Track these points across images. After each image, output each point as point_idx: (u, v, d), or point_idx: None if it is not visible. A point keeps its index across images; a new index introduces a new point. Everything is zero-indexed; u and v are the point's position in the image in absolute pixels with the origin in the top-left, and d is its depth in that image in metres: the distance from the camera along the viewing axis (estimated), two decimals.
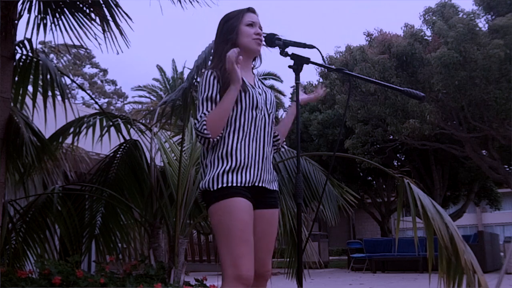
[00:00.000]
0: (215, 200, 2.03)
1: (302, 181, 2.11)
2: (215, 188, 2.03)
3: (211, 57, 3.84)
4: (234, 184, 2.03)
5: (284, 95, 24.38)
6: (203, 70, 3.91)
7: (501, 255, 14.02)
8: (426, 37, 13.36)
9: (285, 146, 2.46)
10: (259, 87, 2.25)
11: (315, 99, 2.56)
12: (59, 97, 4.03)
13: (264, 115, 2.19)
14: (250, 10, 2.26)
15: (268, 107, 2.22)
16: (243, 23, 2.21)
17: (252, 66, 2.32)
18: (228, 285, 1.96)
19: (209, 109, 2.07)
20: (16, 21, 3.72)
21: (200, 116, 2.06)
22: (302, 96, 2.46)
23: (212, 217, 2.05)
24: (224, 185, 2.02)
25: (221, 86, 2.10)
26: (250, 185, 2.07)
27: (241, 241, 1.98)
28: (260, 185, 2.11)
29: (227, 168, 2.05)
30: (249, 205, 2.05)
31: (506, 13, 12.35)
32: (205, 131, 2.02)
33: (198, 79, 4.07)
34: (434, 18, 13.34)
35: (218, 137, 2.07)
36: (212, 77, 2.11)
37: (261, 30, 2.25)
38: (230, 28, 2.21)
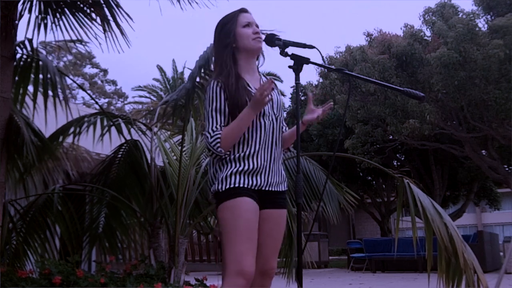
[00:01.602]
0: (223, 200, 2.09)
1: (303, 180, 2.11)
2: (224, 189, 2.08)
3: (212, 64, 3.88)
4: (242, 185, 2.08)
5: (284, 95, 24.36)
6: (202, 71, 3.93)
7: (500, 255, 14.02)
8: (426, 37, 13.36)
9: (291, 149, 2.46)
10: None
11: (320, 117, 2.31)
12: (59, 97, 4.03)
13: (272, 120, 2.21)
14: (243, 10, 2.26)
15: (275, 111, 2.25)
16: (239, 25, 2.22)
17: (256, 65, 2.32)
18: (229, 280, 2.01)
19: (219, 122, 2.10)
20: (16, 21, 3.72)
21: (213, 130, 2.09)
22: (306, 117, 2.30)
23: (219, 215, 2.11)
24: (232, 185, 2.08)
25: (227, 95, 2.12)
26: (257, 189, 2.12)
27: (245, 239, 2.03)
28: (267, 189, 2.16)
29: (235, 170, 2.10)
30: (255, 205, 2.09)
31: (506, 13, 12.35)
32: (219, 149, 2.08)
33: (199, 80, 4.08)
34: (433, 18, 13.34)
35: (227, 154, 2.12)
36: (218, 88, 2.13)
37: (258, 28, 2.25)
38: (227, 32, 2.21)
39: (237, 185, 2.08)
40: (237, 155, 2.12)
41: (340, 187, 4.88)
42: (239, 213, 2.04)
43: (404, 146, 16.31)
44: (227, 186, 2.08)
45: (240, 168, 2.10)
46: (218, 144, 2.07)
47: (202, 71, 3.93)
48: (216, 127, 2.10)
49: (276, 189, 2.19)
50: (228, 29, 2.22)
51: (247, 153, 2.13)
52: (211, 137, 2.08)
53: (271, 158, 2.17)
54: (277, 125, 2.23)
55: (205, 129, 2.13)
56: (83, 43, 4.35)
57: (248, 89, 2.18)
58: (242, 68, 2.22)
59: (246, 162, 2.11)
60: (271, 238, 2.18)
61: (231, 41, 2.20)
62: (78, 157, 4.66)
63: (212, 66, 3.80)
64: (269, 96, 2.08)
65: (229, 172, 2.10)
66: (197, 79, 3.99)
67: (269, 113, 2.20)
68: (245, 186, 2.08)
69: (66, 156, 4.56)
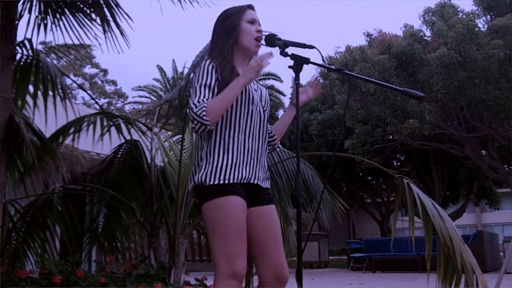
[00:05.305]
0: (211, 197, 2.02)
1: (302, 181, 2.10)
2: (211, 183, 2.02)
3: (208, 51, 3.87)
4: (231, 181, 2.02)
5: (284, 95, 24.35)
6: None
7: (500, 255, 14.02)
8: (425, 37, 13.36)
9: (280, 146, 2.45)
10: (254, 83, 2.25)
11: (312, 96, 2.45)
12: (59, 97, 4.03)
13: (260, 111, 2.19)
14: (250, 7, 2.26)
15: (263, 103, 2.23)
16: (244, 19, 2.21)
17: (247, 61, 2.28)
18: (222, 283, 1.96)
19: (206, 96, 2.04)
20: (16, 21, 3.72)
21: (198, 102, 2.01)
22: (302, 98, 2.36)
23: (206, 214, 2.03)
24: (221, 181, 2.01)
25: (218, 77, 2.09)
26: (245, 182, 2.07)
27: (236, 240, 1.98)
28: (255, 182, 2.11)
29: (224, 163, 2.04)
30: (243, 203, 2.05)
31: (506, 13, 12.35)
32: (205, 117, 1.98)
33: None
34: (433, 18, 13.35)
35: (213, 126, 2.04)
36: (210, 67, 2.11)
37: (260, 26, 2.26)
38: (232, 24, 2.21)
39: (226, 181, 2.01)
40: (225, 143, 2.06)
41: (333, 194, 4.88)
42: (229, 213, 1.98)
43: (404, 146, 16.32)
44: (215, 182, 2.01)
45: (230, 161, 2.04)
46: (204, 113, 1.97)
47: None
48: (202, 99, 2.02)
49: (262, 185, 2.15)
50: (233, 22, 2.21)
51: (233, 139, 2.07)
52: (197, 107, 1.99)
53: (258, 150, 2.13)
54: (264, 117, 2.21)
55: (190, 103, 2.04)
56: (85, 47, 4.35)
57: None
58: (236, 61, 2.21)
59: (233, 151, 2.06)
60: (270, 235, 2.13)
61: (234, 35, 2.19)
62: (76, 158, 4.65)
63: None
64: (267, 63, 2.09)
65: (217, 165, 2.03)
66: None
67: (257, 103, 2.18)
68: (234, 181, 2.02)
69: (64, 156, 4.56)
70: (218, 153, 2.06)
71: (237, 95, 2.06)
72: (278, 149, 2.49)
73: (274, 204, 2.24)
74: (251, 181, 2.09)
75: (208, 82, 2.07)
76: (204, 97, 2.03)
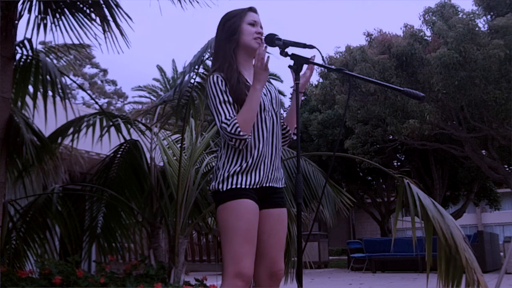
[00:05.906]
0: (223, 200, 2.08)
1: (302, 181, 2.11)
2: (224, 189, 2.08)
3: (210, 57, 3.89)
4: (243, 186, 2.08)
5: (284, 95, 24.34)
6: (196, 67, 3.95)
7: (500, 255, 14.03)
8: (426, 37, 13.35)
9: (293, 136, 2.43)
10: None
11: (310, 75, 2.34)
12: (59, 97, 4.03)
13: (272, 116, 2.22)
14: (252, 9, 2.28)
15: (274, 106, 2.25)
16: (245, 22, 2.23)
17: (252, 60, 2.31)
18: (228, 282, 2.01)
19: (231, 112, 2.09)
20: (16, 21, 3.72)
21: (227, 119, 2.07)
22: (301, 81, 2.26)
23: (219, 216, 2.10)
24: (233, 186, 2.08)
25: (229, 88, 2.12)
26: (258, 186, 2.12)
27: (244, 241, 2.03)
28: (268, 185, 2.16)
29: (237, 169, 2.10)
30: (255, 207, 2.10)
31: (506, 13, 12.35)
32: (241, 133, 2.05)
33: (196, 78, 4.09)
34: (434, 18, 13.34)
35: (251, 136, 2.09)
36: (219, 81, 2.13)
37: (262, 29, 2.27)
38: (233, 27, 2.22)
39: (238, 185, 2.08)
40: (240, 151, 2.11)
41: (337, 189, 4.87)
42: (240, 214, 2.04)
43: (404, 146, 16.31)
44: (228, 187, 2.08)
45: (243, 166, 2.10)
46: (239, 129, 2.04)
47: (196, 68, 3.96)
48: (230, 115, 2.08)
49: (275, 185, 2.19)
50: (234, 24, 2.22)
51: (248, 147, 2.12)
52: (229, 125, 2.05)
53: (272, 154, 2.18)
54: (277, 120, 2.24)
55: (218, 123, 2.09)
56: (84, 47, 4.35)
57: (247, 84, 2.18)
58: (240, 64, 2.23)
59: (247, 158, 2.11)
60: (274, 237, 2.17)
61: (236, 37, 2.20)
62: (76, 158, 4.65)
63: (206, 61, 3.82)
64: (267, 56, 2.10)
65: (231, 172, 2.09)
66: (192, 80, 4.01)
67: (269, 108, 2.21)
68: (246, 186, 2.09)
69: (61, 157, 4.56)
70: (233, 161, 2.12)
71: (259, 101, 2.11)
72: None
73: (285, 207, 2.27)
74: (263, 185, 2.14)
75: (226, 98, 2.11)
76: (229, 113, 2.09)
